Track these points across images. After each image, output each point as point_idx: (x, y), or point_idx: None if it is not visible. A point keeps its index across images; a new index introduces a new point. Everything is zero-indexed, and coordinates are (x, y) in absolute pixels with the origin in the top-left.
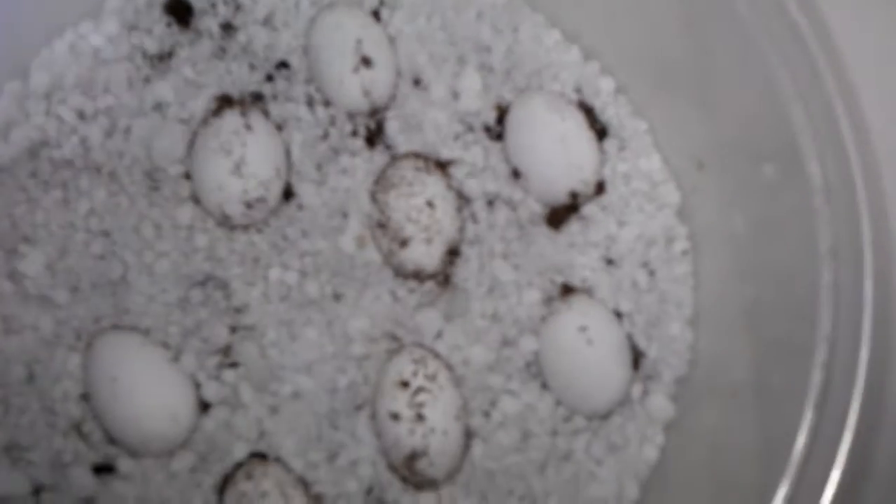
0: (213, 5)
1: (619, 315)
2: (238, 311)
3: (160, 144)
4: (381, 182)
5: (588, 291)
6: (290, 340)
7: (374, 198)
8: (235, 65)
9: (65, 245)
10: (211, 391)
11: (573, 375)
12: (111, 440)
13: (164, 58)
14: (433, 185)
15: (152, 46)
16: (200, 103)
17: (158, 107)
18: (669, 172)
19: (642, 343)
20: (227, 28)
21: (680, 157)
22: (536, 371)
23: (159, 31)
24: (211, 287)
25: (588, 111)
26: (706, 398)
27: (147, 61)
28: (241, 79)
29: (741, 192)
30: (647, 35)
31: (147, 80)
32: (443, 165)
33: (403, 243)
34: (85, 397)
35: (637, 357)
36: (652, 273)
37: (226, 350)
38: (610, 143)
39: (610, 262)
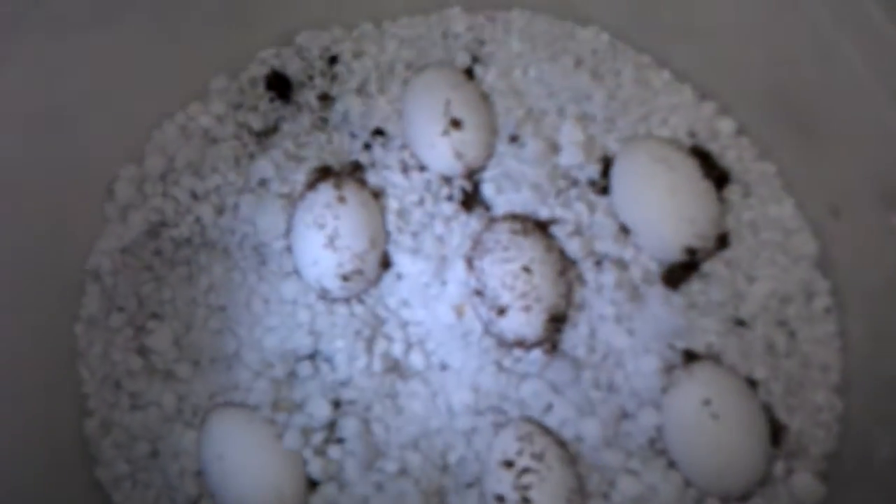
0: (311, 77)
1: (752, 383)
2: (342, 384)
3: (263, 220)
4: (476, 247)
5: (714, 358)
6: (395, 414)
7: (470, 264)
8: (336, 135)
9: (189, 320)
10: (316, 468)
11: (701, 453)
12: None
13: (269, 133)
14: (530, 248)
15: (257, 123)
16: (300, 177)
17: (263, 183)
18: (804, 219)
19: (782, 414)
20: (325, 99)
21: (813, 202)
22: (662, 447)
23: (264, 107)
24: (314, 362)
25: (704, 157)
26: (860, 476)
27: (253, 138)
28: (341, 149)
29: (889, 240)
30: (773, 68)
31: (252, 156)
32: (543, 226)
33: (501, 312)
34: (199, 474)
35: (777, 430)
36: (791, 334)
37: (330, 426)
38: (732, 191)
39: (740, 322)
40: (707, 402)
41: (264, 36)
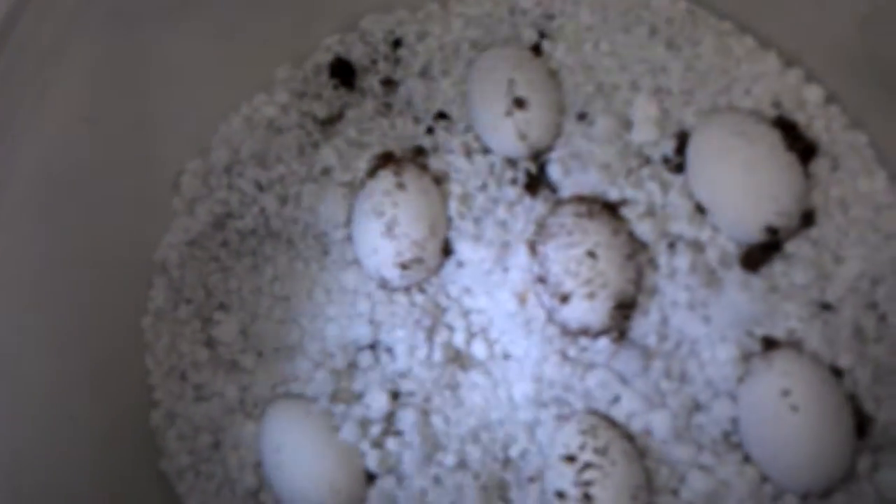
0: (374, 62)
1: (837, 372)
2: (401, 375)
3: (324, 210)
4: (540, 232)
5: (796, 345)
6: (455, 406)
7: (533, 249)
8: (400, 120)
9: (254, 311)
10: (374, 461)
11: (779, 447)
12: None
13: (333, 121)
14: (596, 232)
15: (322, 111)
16: (362, 164)
17: (326, 171)
18: None
19: (869, 405)
20: (388, 84)
21: None
22: (737, 441)
23: (328, 94)
24: (375, 352)
25: (789, 128)
26: None
27: (317, 126)
28: (404, 134)
29: None
30: (864, 29)
31: (316, 145)
32: (612, 207)
33: (564, 299)
34: (258, 466)
35: (863, 422)
36: (882, 318)
37: (388, 417)
38: (819, 165)
39: (825, 307)
40: (786, 393)
41: (329, 22)
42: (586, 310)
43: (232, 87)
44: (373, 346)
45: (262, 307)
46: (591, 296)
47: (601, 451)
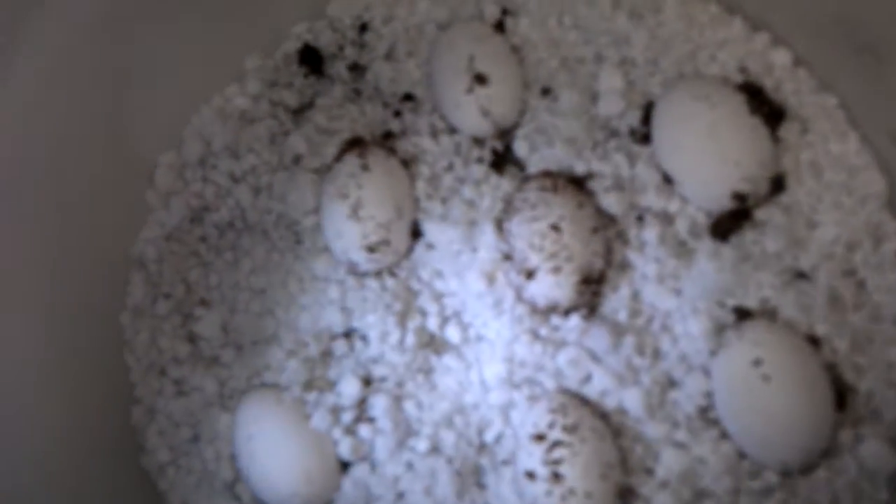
0: (341, 48)
1: (814, 341)
2: (374, 362)
3: (294, 197)
4: (506, 209)
5: (769, 314)
6: (429, 390)
7: (500, 227)
8: (370, 105)
9: (234, 305)
10: (346, 448)
11: (753, 420)
12: (260, 501)
13: (305, 109)
14: (560, 205)
15: (293, 100)
16: (331, 150)
17: (296, 159)
18: (871, 155)
19: (849, 375)
20: (356, 69)
21: (879, 136)
22: (714, 417)
23: (299, 83)
24: (349, 340)
25: (756, 92)
26: None
27: (289, 115)
28: (374, 119)
29: None
30: None
31: (287, 134)
32: (579, 182)
33: (529, 275)
34: (234, 457)
35: (843, 393)
36: (860, 284)
37: (360, 404)
38: (789, 129)
39: (799, 275)
40: (757, 363)
41: (298, 10)
42: (552, 285)
43: (204, 78)
44: (348, 334)
45: (241, 301)
46: (556, 270)
47: (570, 429)
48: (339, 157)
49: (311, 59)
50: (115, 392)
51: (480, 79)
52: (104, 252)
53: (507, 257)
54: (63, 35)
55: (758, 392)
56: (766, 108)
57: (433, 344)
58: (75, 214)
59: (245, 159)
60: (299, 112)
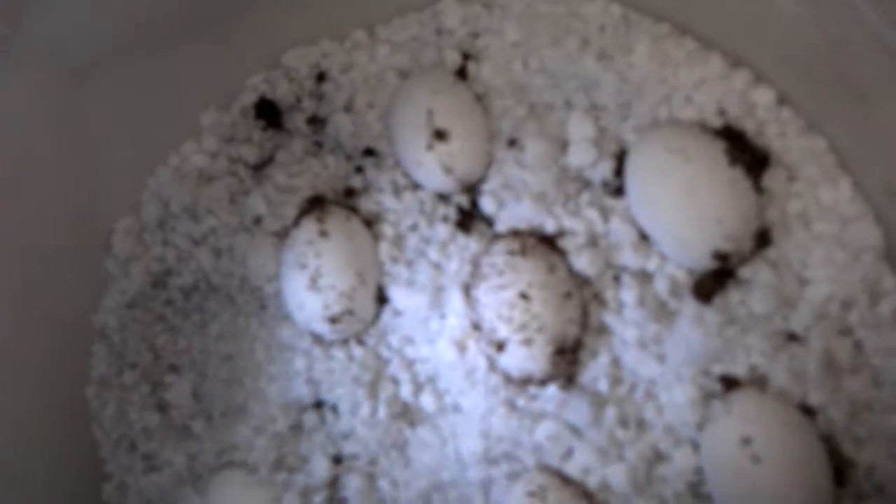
0: (299, 99)
1: (808, 411)
2: (345, 437)
3: (253, 262)
4: (473, 273)
5: (759, 382)
6: (403, 467)
7: (467, 293)
8: (332, 159)
9: (204, 371)
10: None
11: (746, 501)
12: None
13: (265, 165)
14: (529, 270)
15: (252, 155)
16: (291, 211)
17: (257, 220)
18: (864, 204)
19: (848, 447)
20: (315, 121)
21: (873, 182)
22: (706, 492)
23: (257, 137)
24: (319, 412)
25: (737, 138)
26: None
27: (249, 172)
28: (337, 174)
29: None
30: (815, 23)
31: (246, 193)
32: (549, 241)
33: (500, 347)
34: None
35: (843, 468)
36: (857, 346)
37: (332, 484)
38: (774, 176)
39: (791, 337)
40: (746, 442)
41: (253, 61)
42: (524, 357)
43: (159, 138)
44: (318, 405)
45: (211, 366)
46: (527, 342)
47: None
48: (297, 221)
49: (269, 113)
50: (84, 468)
51: (440, 134)
52: (66, 323)
53: (476, 326)
54: (15, 100)
55: (748, 474)
56: (747, 155)
57: (407, 414)
58: (34, 288)
59: (205, 221)
60: (259, 168)
